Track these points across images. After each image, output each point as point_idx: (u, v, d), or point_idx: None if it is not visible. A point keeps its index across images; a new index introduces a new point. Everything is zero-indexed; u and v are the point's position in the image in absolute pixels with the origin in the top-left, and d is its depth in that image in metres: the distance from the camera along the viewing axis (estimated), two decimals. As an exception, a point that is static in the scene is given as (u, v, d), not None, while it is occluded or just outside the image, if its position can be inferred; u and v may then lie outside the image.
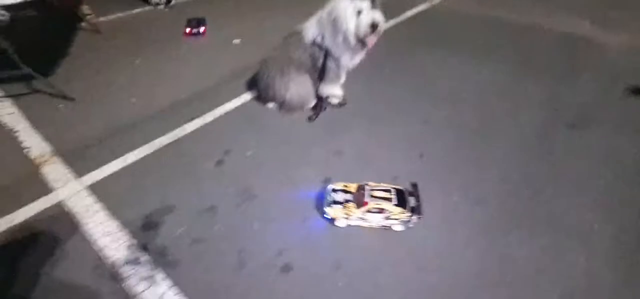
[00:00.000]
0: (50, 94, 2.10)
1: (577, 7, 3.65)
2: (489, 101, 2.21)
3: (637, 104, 2.19)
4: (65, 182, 1.55)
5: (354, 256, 1.30)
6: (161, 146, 1.77)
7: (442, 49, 2.85)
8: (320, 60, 1.94)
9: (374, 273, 1.25)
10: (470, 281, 1.23)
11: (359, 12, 1.74)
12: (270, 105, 2.09)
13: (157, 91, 2.24)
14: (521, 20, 3.39)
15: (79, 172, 1.60)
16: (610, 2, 3.77)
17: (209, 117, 1.99)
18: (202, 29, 3.03)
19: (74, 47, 2.76)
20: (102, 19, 3.21)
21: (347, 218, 1.37)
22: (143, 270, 1.23)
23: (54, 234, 1.34)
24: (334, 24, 1.81)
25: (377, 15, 1.75)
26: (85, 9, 3.04)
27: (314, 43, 1.91)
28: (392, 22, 3.24)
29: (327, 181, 1.60)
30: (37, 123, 1.89)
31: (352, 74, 2.07)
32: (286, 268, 1.25)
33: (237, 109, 2.09)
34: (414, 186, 1.49)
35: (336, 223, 1.39)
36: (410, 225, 1.37)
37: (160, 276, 1.21)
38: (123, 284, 1.18)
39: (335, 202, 1.39)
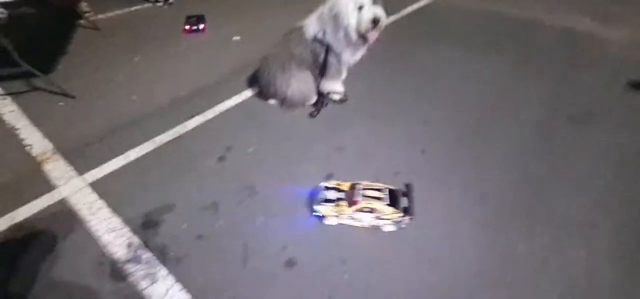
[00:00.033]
0: (50, 92, 2.09)
1: (578, 2, 3.64)
2: (490, 97, 2.21)
3: (638, 99, 2.18)
4: (67, 179, 1.54)
5: (358, 251, 1.30)
6: (162, 143, 1.77)
7: (443, 45, 2.84)
8: (322, 57, 1.93)
9: (378, 267, 1.25)
10: (470, 279, 1.24)
11: (360, 8, 1.73)
12: (272, 101, 2.08)
13: (157, 88, 2.24)
14: (522, 15, 3.38)
15: (81, 169, 1.59)
16: (610, -3, 3.77)
17: (209, 114, 1.99)
18: (201, 26, 3.02)
19: (73, 44, 2.75)
20: (100, 16, 3.19)
21: (337, 216, 1.36)
22: (146, 267, 1.23)
23: (57, 231, 1.34)
24: (335, 19, 1.80)
25: (379, 11, 1.74)
26: (83, 6, 3.02)
27: (315, 39, 1.90)
28: (392, 17, 3.23)
29: (329, 177, 1.60)
30: (37, 121, 1.88)
31: (353, 70, 2.06)
32: (290, 263, 1.25)
33: (238, 105, 2.08)
34: (408, 186, 1.47)
35: (326, 221, 1.38)
36: (402, 226, 1.35)
37: (163, 272, 1.21)
38: (127, 281, 1.18)
39: (327, 200, 1.37)
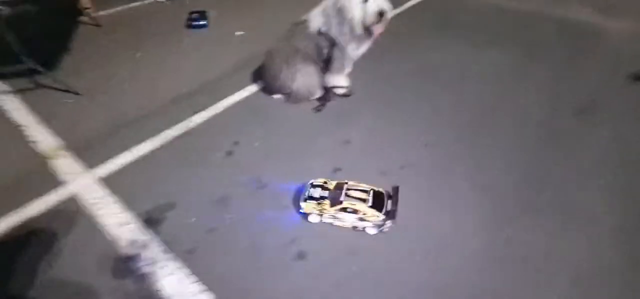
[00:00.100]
0: (54, 89, 2.10)
1: (578, -7, 3.65)
2: (493, 90, 2.22)
3: (640, 90, 2.21)
4: (76, 175, 1.55)
5: (366, 243, 1.32)
6: (170, 138, 1.78)
7: (445, 37, 2.85)
8: (326, 50, 1.94)
9: (385, 259, 1.28)
10: (475, 267, 1.26)
11: (366, 1, 1.74)
12: (276, 96, 2.09)
13: (162, 83, 2.24)
14: (523, 7, 3.39)
15: (89, 165, 1.61)
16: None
17: (215, 109, 2.00)
18: (205, 22, 3.01)
19: (75, 41, 2.74)
20: (101, 12, 3.18)
21: (320, 215, 1.36)
22: (159, 260, 1.24)
23: (68, 226, 1.35)
24: (340, 13, 1.81)
25: (384, 4, 1.75)
26: (84, 2, 3.01)
27: (319, 33, 1.91)
28: (394, 10, 3.22)
29: (336, 170, 1.62)
30: (44, 117, 1.89)
31: (357, 63, 2.08)
32: (301, 255, 1.27)
33: (243, 100, 2.09)
34: (395, 189, 1.42)
35: (309, 219, 1.38)
36: (384, 230, 1.33)
37: (176, 264, 1.23)
38: (140, 275, 1.20)
39: (311, 198, 1.37)
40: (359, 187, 1.38)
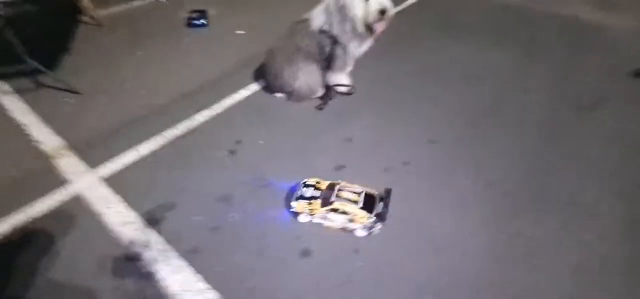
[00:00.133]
0: (56, 89, 2.09)
1: (579, -10, 3.65)
2: (496, 85, 2.23)
3: (642, 86, 2.21)
4: (80, 174, 1.55)
5: (370, 240, 1.32)
6: (173, 137, 1.78)
7: (447, 35, 2.85)
8: (328, 49, 1.94)
9: (391, 254, 1.28)
10: (482, 261, 1.27)
11: (367, -1, 1.74)
12: (279, 95, 2.09)
13: (164, 83, 2.24)
14: (523, 5, 3.38)
15: (93, 164, 1.60)
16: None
17: (218, 108, 2.00)
18: (205, 21, 3.01)
19: (76, 41, 2.74)
20: (101, 12, 3.16)
21: (310, 215, 1.35)
22: (164, 258, 1.25)
23: (71, 225, 1.35)
24: (342, 11, 1.81)
25: (385, 2, 1.75)
26: (85, 2, 3.00)
27: (321, 31, 1.91)
28: (395, 8, 3.22)
29: (340, 168, 1.63)
30: (46, 117, 1.88)
31: (358, 61, 2.08)
32: (305, 253, 1.27)
33: (245, 99, 2.09)
34: (387, 191, 1.41)
35: (299, 218, 1.37)
36: (374, 232, 1.32)
37: (181, 263, 1.23)
38: (145, 274, 1.20)
39: (301, 197, 1.37)
40: (351, 189, 1.37)
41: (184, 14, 3.06)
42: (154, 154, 1.69)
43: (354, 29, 1.82)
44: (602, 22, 3.02)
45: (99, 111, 1.97)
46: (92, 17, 3.00)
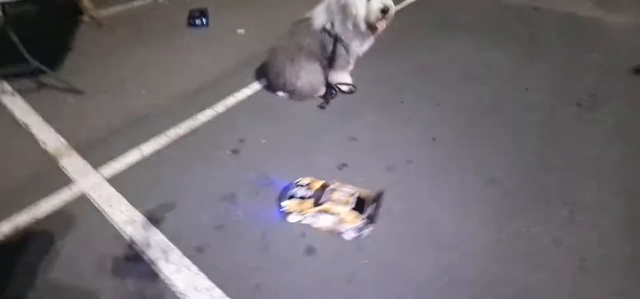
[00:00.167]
0: (58, 89, 2.10)
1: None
2: (496, 84, 2.24)
3: (641, 83, 2.22)
4: (84, 174, 1.56)
5: (374, 237, 1.33)
6: (176, 136, 1.78)
7: (446, 34, 2.86)
8: (330, 48, 1.94)
9: (395, 251, 1.29)
10: (485, 258, 1.28)
11: (369, -2, 1.74)
12: (281, 94, 2.09)
13: (165, 82, 2.24)
14: (523, 2, 3.39)
15: (96, 164, 1.61)
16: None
17: (220, 108, 2.00)
18: (206, 21, 3.01)
19: (77, 41, 2.74)
20: (102, 12, 3.16)
21: (300, 214, 1.35)
22: (169, 257, 1.25)
23: (78, 224, 1.36)
24: (344, 10, 1.81)
25: (387, 0, 1.76)
26: (85, 2, 3.00)
27: (323, 30, 1.91)
28: (395, 6, 3.23)
29: (343, 166, 1.63)
30: (48, 117, 1.88)
31: (359, 61, 2.09)
32: (310, 250, 1.28)
33: (247, 98, 2.10)
34: (379, 194, 1.38)
35: (289, 218, 1.37)
36: (363, 234, 1.30)
37: (186, 262, 1.24)
38: (150, 272, 1.21)
39: (293, 197, 1.37)
40: (344, 190, 1.36)
41: (185, 14, 3.06)
42: (157, 153, 1.69)
43: (356, 28, 1.83)
44: (601, 20, 3.03)
45: (101, 110, 1.98)
46: (92, 17, 3.00)
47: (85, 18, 3.03)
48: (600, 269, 1.25)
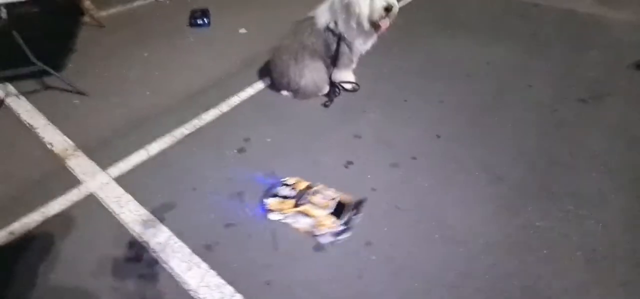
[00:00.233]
0: (63, 90, 2.10)
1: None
2: (499, 80, 2.25)
3: (643, 78, 2.25)
4: (92, 175, 1.57)
5: (381, 233, 1.35)
6: (181, 136, 1.79)
7: (449, 29, 2.87)
8: (333, 46, 1.95)
9: (402, 247, 1.30)
10: (493, 251, 1.29)
11: (373, -4, 1.75)
12: (284, 92, 2.10)
13: (169, 82, 2.25)
14: (523, -1, 3.41)
15: (104, 165, 1.62)
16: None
17: (224, 107, 2.01)
18: (208, 21, 3.02)
19: (79, 42, 2.74)
20: (103, 13, 3.16)
21: (281, 213, 1.36)
22: (179, 255, 1.26)
23: (87, 224, 1.37)
24: (347, 8, 1.82)
25: (391, -2, 1.77)
26: (86, 3, 3.00)
27: (327, 29, 1.92)
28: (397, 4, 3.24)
29: (349, 164, 1.65)
30: (54, 119, 1.89)
31: (361, 59, 2.10)
32: (319, 247, 1.29)
33: (251, 97, 2.11)
34: (359, 202, 1.38)
35: (270, 215, 1.38)
36: (339, 240, 1.29)
37: (196, 260, 1.25)
38: (161, 271, 1.22)
39: (275, 195, 1.39)
40: (325, 194, 1.37)
41: (186, 14, 3.06)
42: (163, 153, 1.70)
43: (359, 26, 1.84)
44: (601, 16, 3.05)
45: (106, 111, 1.98)
46: (93, 18, 3.00)
47: (86, 19, 3.03)
48: (606, 262, 1.26)
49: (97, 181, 1.54)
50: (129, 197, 1.47)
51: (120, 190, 1.50)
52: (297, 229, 1.35)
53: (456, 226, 1.38)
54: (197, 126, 1.86)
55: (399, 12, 1.83)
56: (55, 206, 1.43)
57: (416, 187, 1.54)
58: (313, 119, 1.94)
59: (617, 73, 2.31)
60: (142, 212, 1.41)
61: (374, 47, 2.01)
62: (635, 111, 1.97)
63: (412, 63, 2.44)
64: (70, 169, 1.60)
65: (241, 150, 1.72)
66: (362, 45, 1.97)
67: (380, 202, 1.46)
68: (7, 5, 1.88)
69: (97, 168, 1.60)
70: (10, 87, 2.10)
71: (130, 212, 1.41)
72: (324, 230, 1.30)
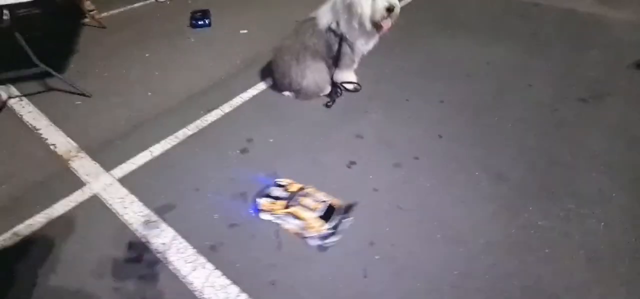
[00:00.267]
0: (65, 91, 2.11)
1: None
2: (500, 78, 2.27)
3: (643, 78, 2.26)
4: (96, 176, 1.57)
5: (384, 233, 1.35)
6: (184, 136, 1.80)
7: (450, 29, 2.88)
8: (335, 47, 1.96)
9: (406, 247, 1.31)
10: (496, 250, 1.30)
11: (374, -3, 1.76)
12: (286, 93, 2.11)
13: (171, 83, 2.26)
14: (523, -1, 3.43)
15: (108, 166, 1.62)
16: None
17: (227, 108, 2.02)
18: (209, 21, 3.02)
19: (81, 43, 2.74)
20: (104, 14, 3.17)
21: (271, 214, 1.38)
22: (184, 255, 1.27)
23: (92, 225, 1.38)
24: (349, 9, 1.83)
25: (393, -1, 1.77)
26: (87, 4, 3.00)
27: (328, 29, 1.93)
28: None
29: (351, 164, 1.65)
30: (57, 120, 1.90)
31: (362, 60, 2.11)
32: (322, 247, 1.30)
33: (253, 98, 2.11)
34: (350, 206, 1.40)
35: (261, 215, 1.39)
36: (327, 243, 1.29)
37: (201, 260, 1.26)
38: (166, 271, 1.23)
39: (268, 195, 1.40)
40: (315, 196, 1.38)
41: (187, 15, 3.07)
42: (166, 154, 1.71)
43: (361, 27, 1.85)
44: (601, 16, 3.06)
45: (109, 112, 1.99)
46: (94, 19, 3.01)
47: (87, 20, 3.03)
48: (607, 261, 1.27)
49: (101, 182, 1.55)
50: (133, 198, 1.48)
51: (124, 191, 1.51)
52: (287, 230, 1.36)
53: (457, 225, 1.39)
54: (200, 127, 1.87)
55: (400, 12, 1.83)
56: (59, 208, 1.43)
57: (418, 187, 1.55)
58: (315, 119, 1.95)
59: (618, 73, 2.32)
60: (146, 213, 1.42)
61: (375, 47, 2.02)
62: (636, 110, 1.98)
63: (413, 63, 2.45)
64: (73, 171, 1.61)
65: (244, 150, 1.73)
66: (364, 45, 1.98)
67: (382, 203, 1.47)
68: (9, 7, 1.88)
69: (101, 169, 1.61)
70: (13, 89, 2.11)
71: (134, 213, 1.42)
72: (311, 233, 1.31)
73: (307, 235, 1.32)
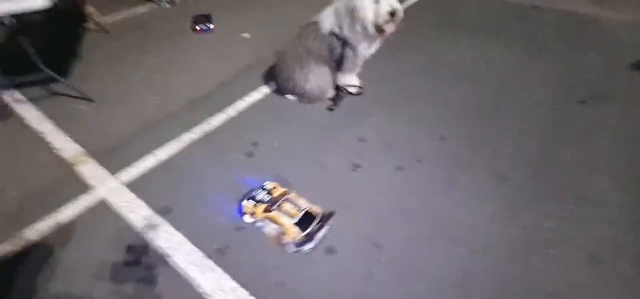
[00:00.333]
0: (69, 96, 2.12)
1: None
2: (500, 82, 2.29)
3: (643, 80, 2.28)
4: (102, 180, 1.59)
5: (390, 235, 1.37)
6: (190, 141, 1.81)
7: (451, 32, 2.91)
8: (338, 51, 1.98)
9: (411, 249, 1.33)
10: (500, 251, 1.32)
11: (377, 2, 1.78)
12: (290, 97, 2.13)
13: (175, 88, 2.27)
14: (522, 1, 3.44)
15: (114, 170, 1.64)
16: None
17: (231, 112, 2.03)
18: (211, 26, 3.04)
19: (85, 48, 2.76)
20: (107, 19, 3.18)
21: (252, 217, 1.39)
22: (193, 259, 1.28)
23: (100, 229, 1.39)
24: (352, 13, 1.85)
25: (395, 4, 1.79)
26: (90, 9, 3.02)
27: (331, 34, 1.95)
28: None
29: (356, 167, 1.67)
30: (62, 125, 1.91)
31: (366, 62, 2.12)
32: (330, 250, 1.32)
33: (257, 102, 2.13)
34: (328, 215, 1.39)
35: (244, 218, 1.41)
36: (303, 250, 1.30)
37: (210, 264, 1.27)
38: (174, 274, 1.24)
39: (251, 198, 1.42)
40: (296, 203, 1.40)
41: (189, 19, 3.08)
42: (172, 158, 1.72)
43: (364, 31, 1.86)
44: (600, 17, 3.09)
45: (114, 117, 2.00)
46: (97, 24, 3.02)
47: (90, 25, 3.05)
48: (610, 262, 1.29)
49: (107, 187, 1.56)
50: (140, 202, 1.49)
51: (131, 195, 1.52)
52: (268, 235, 1.37)
53: (462, 227, 1.41)
54: (206, 131, 1.89)
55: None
56: (66, 212, 1.44)
57: (422, 189, 1.57)
58: (319, 123, 1.96)
59: (617, 74, 2.35)
60: (153, 217, 1.43)
61: (377, 50, 2.04)
62: (635, 111, 2.01)
63: (415, 66, 2.47)
64: (80, 175, 1.62)
65: (249, 154, 1.75)
66: (367, 49, 2.00)
67: (386, 205, 1.49)
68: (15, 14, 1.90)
69: (107, 174, 1.62)
70: (18, 94, 2.12)
71: (141, 217, 1.43)
72: (288, 239, 1.32)
73: (283, 241, 1.33)
